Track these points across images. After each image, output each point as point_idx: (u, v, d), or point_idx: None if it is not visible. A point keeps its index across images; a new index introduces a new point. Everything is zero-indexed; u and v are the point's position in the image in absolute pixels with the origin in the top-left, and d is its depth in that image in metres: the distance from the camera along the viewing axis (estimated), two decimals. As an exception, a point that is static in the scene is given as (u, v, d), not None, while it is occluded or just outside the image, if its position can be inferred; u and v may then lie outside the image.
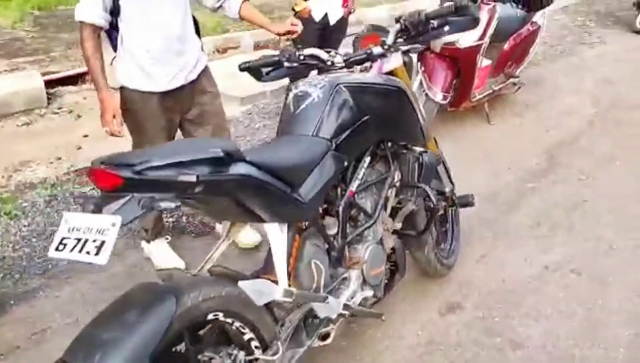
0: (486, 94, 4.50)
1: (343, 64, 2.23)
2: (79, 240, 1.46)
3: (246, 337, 1.76)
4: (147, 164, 1.47)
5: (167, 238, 2.92)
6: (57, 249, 1.49)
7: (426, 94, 4.16)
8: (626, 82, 5.58)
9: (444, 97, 4.15)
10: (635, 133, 4.47)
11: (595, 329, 2.45)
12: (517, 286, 2.73)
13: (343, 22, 4.33)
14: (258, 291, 1.70)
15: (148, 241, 2.87)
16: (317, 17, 4.08)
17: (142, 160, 1.47)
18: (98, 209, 1.49)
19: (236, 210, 1.69)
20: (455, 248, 2.82)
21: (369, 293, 2.11)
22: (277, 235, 1.78)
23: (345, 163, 2.04)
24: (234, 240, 2.80)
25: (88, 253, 1.43)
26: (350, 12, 4.37)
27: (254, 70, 2.37)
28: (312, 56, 2.27)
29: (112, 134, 2.45)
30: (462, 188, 2.79)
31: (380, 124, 2.13)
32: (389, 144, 2.26)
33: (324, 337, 2.01)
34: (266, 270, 1.91)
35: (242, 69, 2.38)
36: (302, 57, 2.26)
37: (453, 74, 4.21)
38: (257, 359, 1.75)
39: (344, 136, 2.02)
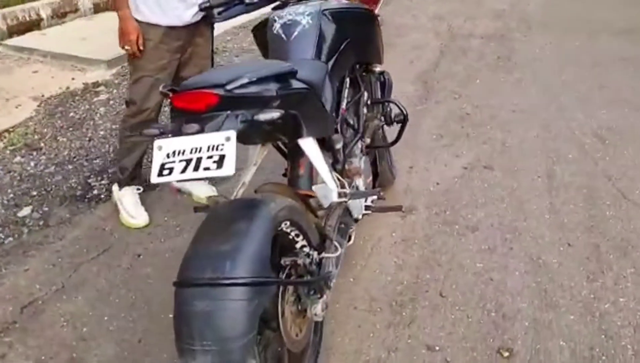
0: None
1: None
2: (189, 160, 1.49)
3: (299, 245, 1.88)
4: (237, 83, 1.54)
5: (138, 189, 2.84)
6: (160, 174, 1.49)
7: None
8: (453, 17, 6.37)
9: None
10: (479, 57, 5.20)
11: (522, 206, 2.97)
12: (449, 185, 3.16)
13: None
14: (324, 195, 1.86)
15: (120, 187, 2.82)
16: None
17: (228, 79, 1.54)
18: (201, 130, 1.52)
19: (286, 125, 1.80)
20: (393, 161, 3.16)
21: (374, 196, 2.34)
22: (314, 147, 1.92)
23: (337, 84, 2.22)
24: (192, 193, 2.87)
25: (207, 169, 1.47)
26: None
27: (210, 9, 2.40)
28: None
29: (133, 55, 2.49)
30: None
31: (358, 47, 2.34)
32: (357, 66, 2.47)
33: (348, 238, 2.21)
34: (294, 184, 2.04)
35: (202, 9, 2.39)
36: None
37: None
38: (321, 258, 1.90)
39: (334, 59, 2.20)
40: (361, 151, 2.41)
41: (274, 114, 1.57)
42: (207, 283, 1.44)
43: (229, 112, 1.57)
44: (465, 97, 4.32)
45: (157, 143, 1.54)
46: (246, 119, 1.57)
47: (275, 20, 2.21)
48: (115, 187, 2.85)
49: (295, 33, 2.15)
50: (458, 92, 4.42)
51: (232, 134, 1.49)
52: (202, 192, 2.95)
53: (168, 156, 1.52)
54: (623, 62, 5.02)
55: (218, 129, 1.55)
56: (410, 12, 6.62)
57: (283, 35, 2.17)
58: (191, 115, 1.58)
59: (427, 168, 3.34)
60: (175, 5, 2.50)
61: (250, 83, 1.58)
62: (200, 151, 1.50)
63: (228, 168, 1.47)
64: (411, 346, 2.13)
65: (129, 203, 2.76)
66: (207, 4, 2.35)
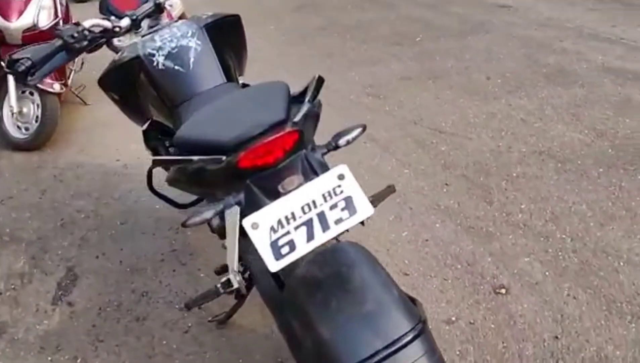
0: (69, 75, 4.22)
1: (130, 24, 2.02)
2: (308, 222, 1.15)
3: None
4: (302, 112, 1.25)
5: None
6: (280, 257, 1.13)
7: (40, 91, 3.65)
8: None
9: (62, 86, 3.74)
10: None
11: (380, 172, 3.09)
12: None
13: None
14: None
15: None
16: None
17: (284, 113, 1.23)
18: (298, 183, 1.19)
19: None
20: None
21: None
22: None
23: None
24: None
25: (340, 220, 1.16)
26: None
27: (25, 70, 1.83)
28: (95, 27, 1.95)
29: None
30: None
31: (238, 58, 2.09)
32: None
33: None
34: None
35: (21, 71, 1.79)
36: (87, 33, 1.91)
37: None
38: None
39: (235, 76, 1.95)
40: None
41: (356, 131, 1.32)
42: (387, 354, 1.16)
43: (304, 151, 1.26)
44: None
45: (248, 221, 1.14)
46: (328, 148, 1.29)
47: (152, 55, 1.82)
48: None
49: (192, 60, 1.82)
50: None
51: (344, 169, 1.20)
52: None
53: (274, 229, 1.14)
54: (324, 31, 5.54)
55: (311, 174, 1.23)
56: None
57: (177, 67, 1.80)
58: (262, 171, 1.22)
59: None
60: None
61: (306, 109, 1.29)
62: (315, 205, 1.17)
63: (365, 209, 1.19)
64: (434, 330, 2.04)
65: None
66: (29, 63, 1.78)
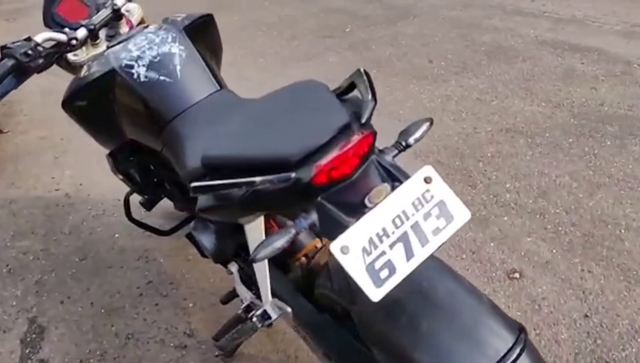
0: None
1: (87, 34, 1.75)
2: (404, 237, 0.99)
3: None
4: (369, 109, 1.08)
5: None
6: (380, 284, 0.96)
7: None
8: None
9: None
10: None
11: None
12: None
13: None
14: None
15: None
16: None
17: (340, 112, 1.05)
18: (386, 193, 1.01)
19: None
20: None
21: None
22: None
23: None
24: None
25: (438, 230, 1.00)
26: None
27: None
28: (48, 41, 1.68)
29: None
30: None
31: (218, 61, 1.88)
32: None
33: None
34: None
35: None
36: (41, 49, 1.63)
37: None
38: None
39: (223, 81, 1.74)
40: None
41: (424, 127, 1.17)
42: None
43: (374, 156, 1.09)
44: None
45: (337, 245, 0.95)
46: (399, 149, 1.13)
47: (130, 67, 1.58)
48: None
49: (179, 67, 1.59)
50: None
51: (430, 170, 1.04)
52: None
53: (367, 251, 0.96)
54: (247, 30, 5.30)
55: (392, 180, 1.06)
56: None
57: (163, 77, 1.57)
58: (336, 184, 1.03)
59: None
60: None
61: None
62: (407, 216, 1.00)
63: (462, 213, 1.03)
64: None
65: None
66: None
